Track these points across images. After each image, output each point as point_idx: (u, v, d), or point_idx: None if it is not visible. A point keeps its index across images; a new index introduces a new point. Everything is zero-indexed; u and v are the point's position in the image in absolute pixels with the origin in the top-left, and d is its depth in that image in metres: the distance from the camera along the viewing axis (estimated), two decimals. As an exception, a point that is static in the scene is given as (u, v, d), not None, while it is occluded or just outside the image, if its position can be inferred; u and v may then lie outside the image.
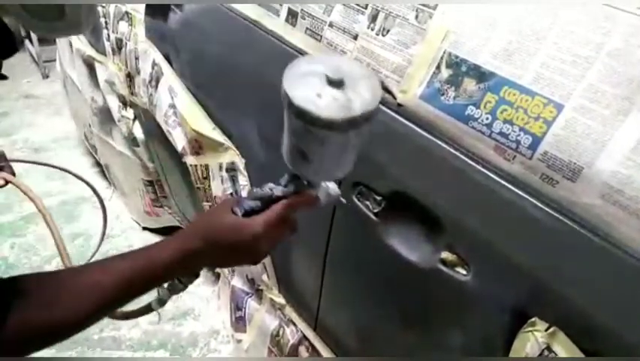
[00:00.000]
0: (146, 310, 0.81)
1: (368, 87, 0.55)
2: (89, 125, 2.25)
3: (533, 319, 0.64)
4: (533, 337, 0.63)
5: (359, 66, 0.61)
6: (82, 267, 0.62)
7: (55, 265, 2.05)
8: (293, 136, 0.60)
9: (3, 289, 0.53)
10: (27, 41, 3.68)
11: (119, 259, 0.62)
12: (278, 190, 0.67)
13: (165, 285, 0.73)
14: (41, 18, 0.56)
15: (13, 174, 1.10)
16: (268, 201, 0.66)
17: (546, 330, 0.62)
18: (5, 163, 1.10)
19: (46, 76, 3.57)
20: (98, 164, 2.56)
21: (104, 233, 1.51)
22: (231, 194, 1.22)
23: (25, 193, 1.08)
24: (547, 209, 0.61)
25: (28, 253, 2.11)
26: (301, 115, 0.53)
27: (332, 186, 0.70)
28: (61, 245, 1.02)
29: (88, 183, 1.41)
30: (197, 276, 0.72)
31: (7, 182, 1.07)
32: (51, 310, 0.55)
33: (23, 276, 0.57)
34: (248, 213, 0.65)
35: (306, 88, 0.54)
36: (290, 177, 0.67)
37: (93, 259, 0.72)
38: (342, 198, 0.71)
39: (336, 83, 0.54)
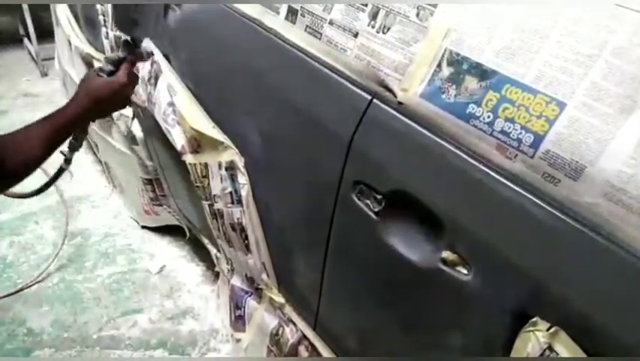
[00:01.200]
0: (59, 172, 1.10)
1: None
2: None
3: (535, 319, 0.63)
4: (534, 337, 0.62)
5: None
6: (18, 130, 0.85)
7: (53, 264, 2.04)
8: (121, 10, 0.89)
9: None
10: (26, 40, 3.67)
11: (42, 121, 0.88)
12: (122, 54, 1.02)
13: (66, 148, 1.01)
14: None
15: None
16: (117, 63, 1.00)
17: (547, 330, 0.61)
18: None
19: (44, 74, 3.56)
20: (99, 162, 2.56)
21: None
22: (231, 193, 1.21)
23: None
24: (549, 208, 0.61)
25: (27, 252, 2.10)
26: None
27: (147, 44, 1.06)
28: None
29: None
30: (86, 133, 1.05)
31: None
32: (6, 154, 0.79)
33: None
34: (109, 75, 0.98)
35: None
36: (124, 43, 1.02)
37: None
38: (154, 52, 1.05)
39: None
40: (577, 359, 0.59)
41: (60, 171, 1.09)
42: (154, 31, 1.21)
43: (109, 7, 1.56)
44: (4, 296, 1.89)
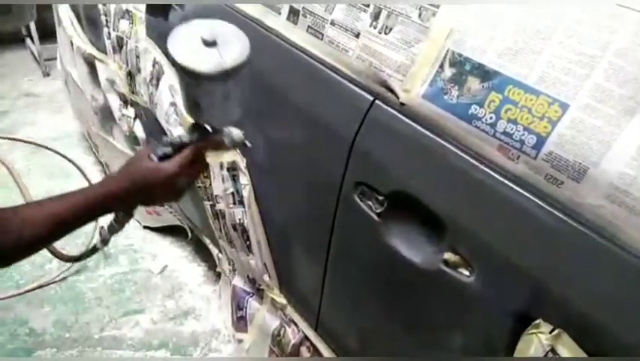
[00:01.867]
0: (93, 250, 0.97)
1: (238, 45, 0.69)
2: (92, 124, 2.25)
3: (537, 321, 0.63)
4: (537, 339, 0.62)
5: (231, 28, 0.73)
6: (21, 205, 0.73)
7: (55, 264, 2.05)
8: (185, 89, 0.74)
9: None
10: (28, 40, 3.68)
11: (55, 198, 0.74)
12: (185, 137, 0.79)
13: (105, 226, 0.87)
14: None
15: None
16: (178, 147, 0.78)
17: (550, 332, 0.61)
18: None
19: (47, 74, 3.56)
20: (99, 162, 2.56)
21: None
22: (232, 193, 1.21)
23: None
24: (551, 210, 0.61)
25: (29, 252, 2.10)
26: (184, 70, 0.67)
27: (235, 131, 0.81)
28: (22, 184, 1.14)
29: (66, 157, 1.44)
30: (131, 216, 0.85)
31: None
32: None
33: None
34: (162, 158, 0.77)
35: (187, 48, 0.67)
36: (193, 126, 0.80)
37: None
38: (247, 142, 0.83)
39: (210, 43, 0.67)
40: (577, 359, 0.59)
41: (93, 251, 0.96)
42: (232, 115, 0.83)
43: (111, 7, 1.56)
44: (9, 297, 1.89)
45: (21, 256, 0.72)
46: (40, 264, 2.03)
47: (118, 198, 0.76)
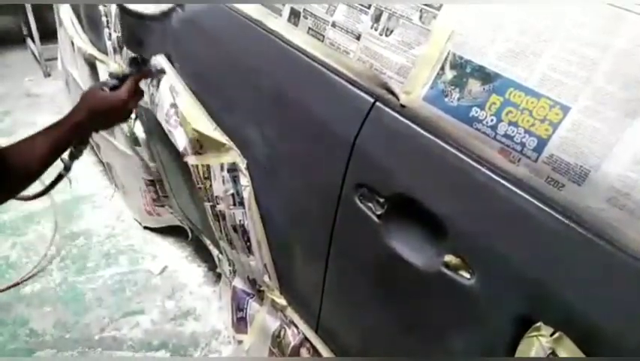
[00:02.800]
0: (58, 178, 1.13)
1: None
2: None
3: (538, 324, 0.63)
4: (538, 342, 0.62)
5: None
6: (20, 140, 0.88)
7: (55, 264, 2.05)
8: (126, 30, 0.91)
9: None
10: (29, 40, 3.68)
11: (44, 133, 0.90)
12: (127, 70, 1.04)
13: (66, 156, 1.03)
14: None
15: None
16: (122, 79, 1.01)
17: (551, 335, 0.61)
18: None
19: (48, 74, 3.56)
20: (100, 162, 2.56)
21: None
22: (233, 195, 1.21)
23: None
24: (552, 212, 0.60)
25: (29, 252, 2.11)
26: (132, 14, 0.83)
27: (158, 62, 1.08)
28: None
29: None
30: (87, 143, 1.07)
31: None
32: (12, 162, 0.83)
33: None
34: (112, 89, 1.00)
35: None
36: (130, 60, 1.03)
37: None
38: (164, 69, 1.11)
39: None
40: (578, 359, 0.59)
41: (59, 178, 1.12)
42: (161, 48, 1.22)
43: (112, 7, 1.56)
44: (4, 289, 1.90)
45: (28, 183, 0.89)
46: (40, 265, 2.04)
47: (84, 126, 0.96)
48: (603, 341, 0.58)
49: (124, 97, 0.99)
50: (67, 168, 1.09)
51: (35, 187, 1.02)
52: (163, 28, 0.91)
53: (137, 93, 1.05)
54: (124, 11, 0.84)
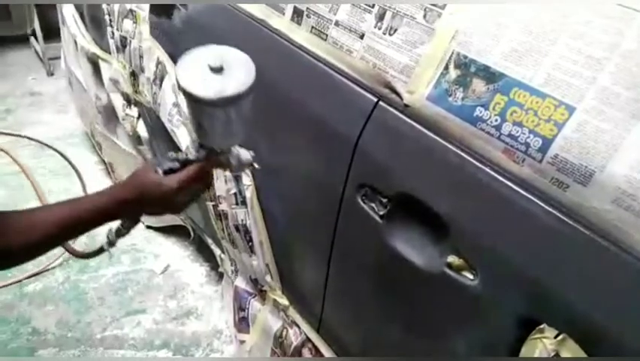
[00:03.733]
0: (99, 251, 0.97)
1: (242, 74, 0.69)
2: (95, 123, 2.25)
3: (542, 325, 0.62)
4: (542, 344, 0.62)
5: (240, 55, 0.73)
6: (32, 208, 0.76)
7: (58, 263, 2.05)
8: (190, 112, 0.75)
9: None
10: (32, 38, 3.68)
11: (64, 203, 0.77)
12: (192, 154, 0.80)
13: (113, 229, 0.90)
14: None
15: None
16: (184, 163, 0.80)
17: (555, 337, 0.60)
18: None
19: (50, 73, 3.57)
20: (102, 161, 2.56)
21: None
22: (235, 194, 1.21)
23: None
24: (557, 213, 0.60)
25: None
26: (189, 96, 0.68)
27: (243, 153, 0.83)
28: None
29: (64, 156, 1.47)
30: (137, 222, 0.89)
31: None
32: (7, 237, 0.70)
33: None
34: (167, 173, 0.79)
35: (192, 75, 0.68)
36: (200, 145, 0.80)
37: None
38: (255, 164, 0.84)
39: (216, 70, 0.68)
40: (578, 359, 0.58)
41: (100, 250, 0.97)
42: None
43: (115, 6, 1.56)
44: (5, 286, 1.90)
45: (27, 257, 0.75)
46: (38, 260, 2.04)
47: (122, 207, 0.80)
48: (607, 343, 0.58)
49: (175, 186, 0.78)
50: (110, 244, 0.94)
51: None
52: (227, 115, 0.71)
53: (199, 184, 0.82)
54: (185, 94, 0.68)
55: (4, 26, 0.74)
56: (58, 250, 2.07)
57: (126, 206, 0.80)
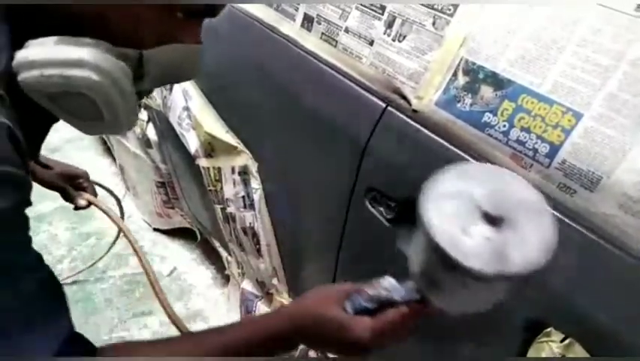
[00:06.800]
0: None
1: (536, 229, 0.43)
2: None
3: (549, 329, 0.63)
4: (548, 347, 0.62)
5: (528, 193, 0.46)
6: (172, 338, 0.62)
7: (66, 264, 2.06)
8: (427, 263, 0.51)
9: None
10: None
11: (214, 333, 0.62)
12: (398, 295, 0.58)
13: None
14: (80, 117, 0.53)
15: (95, 194, 1.16)
16: (383, 304, 0.58)
17: (562, 341, 0.61)
18: (88, 184, 1.15)
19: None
20: (114, 163, 2.58)
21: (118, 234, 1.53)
22: (243, 197, 1.22)
23: (106, 214, 1.12)
24: (564, 219, 0.61)
25: (41, 252, 2.11)
26: (440, 255, 0.44)
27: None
28: (153, 277, 1.06)
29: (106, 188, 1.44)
30: (294, 349, 0.68)
31: (89, 203, 1.12)
32: None
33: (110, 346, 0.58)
34: (358, 312, 0.59)
35: (451, 219, 0.44)
36: (411, 286, 0.58)
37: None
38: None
39: (493, 220, 0.43)
40: (578, 359, 0.59)
41: None
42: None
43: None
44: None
45: None
46: (51, 265, 2.05)
47: (288, 344, 0.64)
48: (614, 347, 0.58)
49: (365, 336, 0.57)
50: None
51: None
52: (491, 291, 0.53)
53: (396, 333, 0.60)
54: (435, 250, 0.46)
55: (96, 127, 0.56)
56: (63, 251, 2.08)
57: (295, 343, 0.64)
